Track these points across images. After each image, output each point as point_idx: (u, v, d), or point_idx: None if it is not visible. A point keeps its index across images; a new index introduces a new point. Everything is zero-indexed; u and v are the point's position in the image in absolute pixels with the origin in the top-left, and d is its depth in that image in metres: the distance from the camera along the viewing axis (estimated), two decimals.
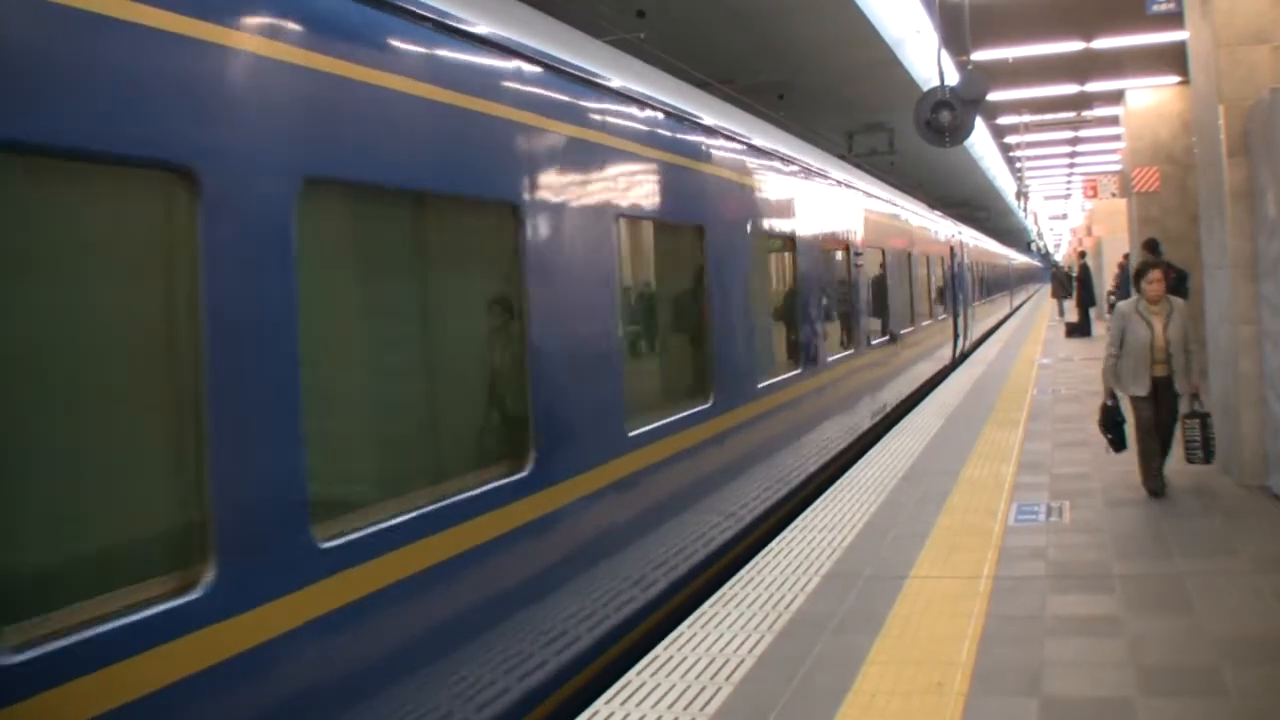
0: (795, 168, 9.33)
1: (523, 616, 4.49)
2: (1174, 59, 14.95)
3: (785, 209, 8.89)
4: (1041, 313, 37.25)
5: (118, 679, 2.63)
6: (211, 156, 3.01)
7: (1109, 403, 7.84)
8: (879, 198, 13.71)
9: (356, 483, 3.86)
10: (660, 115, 6.29)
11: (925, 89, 12.48)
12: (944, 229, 21.57)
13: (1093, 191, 20.16)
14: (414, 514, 3.80)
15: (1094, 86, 19.42)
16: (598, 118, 5.42)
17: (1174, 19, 10.63)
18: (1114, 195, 19.52)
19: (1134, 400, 7.67)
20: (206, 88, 3.02)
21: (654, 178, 6.14)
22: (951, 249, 22.06)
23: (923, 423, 11.94)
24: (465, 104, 4.26)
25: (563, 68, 5.06)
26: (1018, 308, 47.88)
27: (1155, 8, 10.74)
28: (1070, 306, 27.90)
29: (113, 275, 2.91)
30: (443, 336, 4.52)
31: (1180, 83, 16.50)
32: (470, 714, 4.08)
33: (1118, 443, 7.83)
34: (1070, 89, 19.82)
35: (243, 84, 3.16)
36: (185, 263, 2.96)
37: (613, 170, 5.57)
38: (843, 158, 17.07)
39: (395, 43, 3.87)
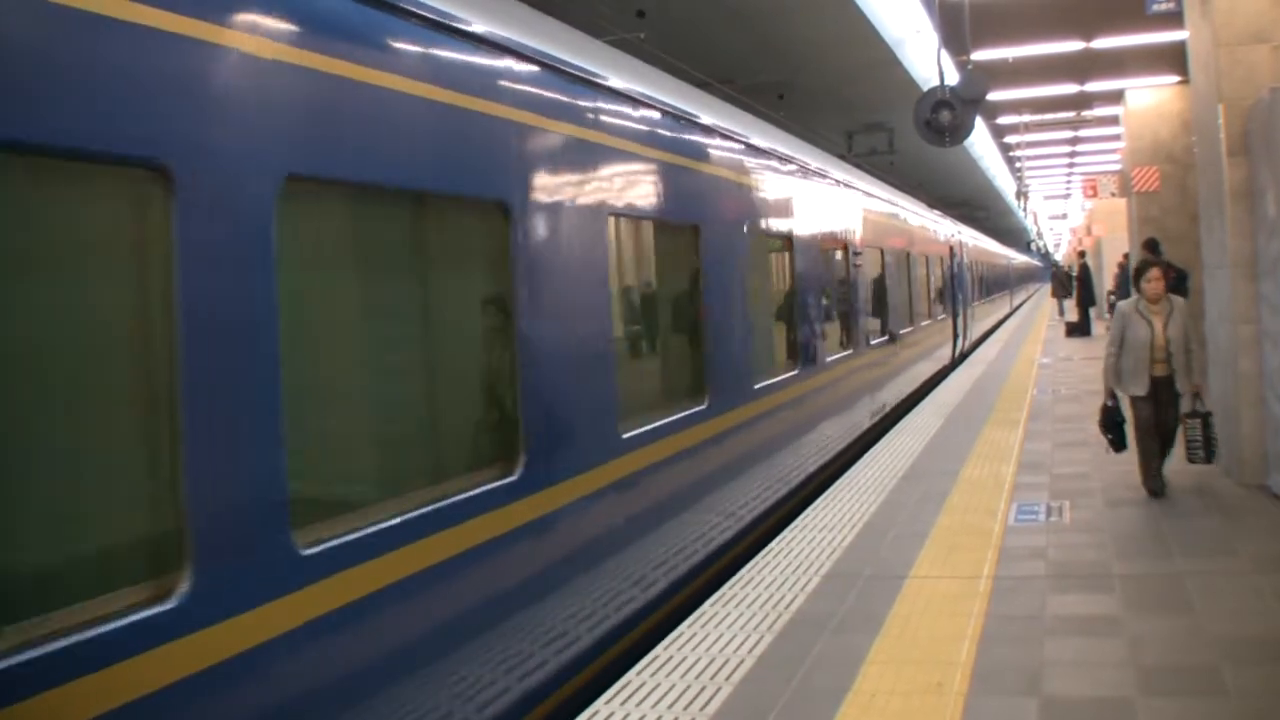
0: (792, 167, 9.30)
1: (514, 624, 4.41)
2: (1174, 59, 14.95)
3: (782, 208, 8.85)
4: (1041, 312, 37.25)
5: (84, 693, 2.55)
6: (187, 154, 2.93)
7: (1109, 403, 7.84)
8: (878, 197, 13.70)
9: (340, 487, 3.77)
10: (654, 113, 6.24)
11: (925, 89, 12.48)
12: (943, 228, 21.57)
13: (1092, 191, 20.17)
14: (399, 519, 3.71)
15: (1094, 86, 19.42)
16: (590, 115, 5.36)
17: (1174, 19, 10.63)
18: (1114, 195, 19.53)
19: (1133, 400, 7.67)
20: (180, 83, 2.94)
21: (648, 176, 6.09)
22: (951, 249, 22.05)
23: (922, 422, 11.94)
24: (453, 101, 4.18)
25: (553, 64, 4.99)
26: (1017, 307, 47.88)
27: (1155, 7, 10.75)
28: (1070, 306, 27.91)
29: (83, 275, 2.84)
30: (431, 337, 4.45)
31: (1180, 82, 16.50)
32: None
33: (1118, 443, 7.83)
34: (1070, 89, 19.82)
35: (219, 79, 3.08)
36: (160, 261, 2.88)
37: (605, 168, 5.51)
38: (842, 157, 17.07)
39: (379, 38, 3.80)
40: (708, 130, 7.16)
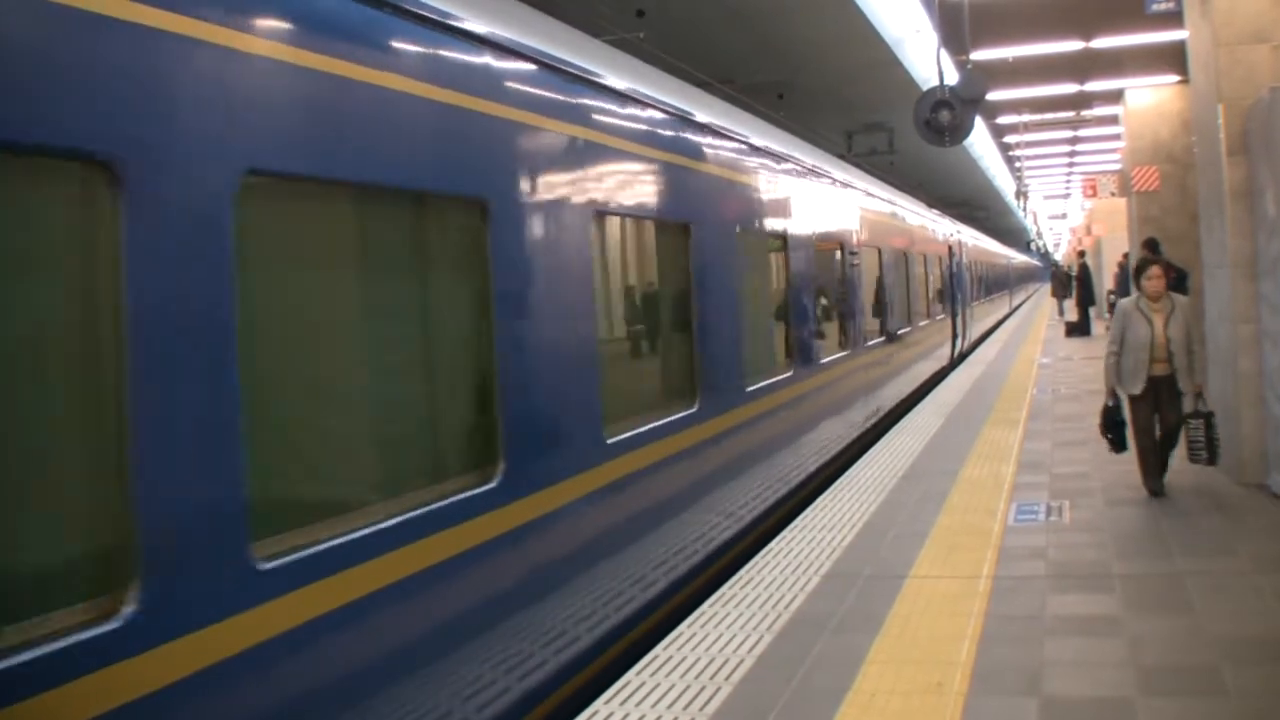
0: (788, 165, 9.21)
1: (491, 639, 4.23)
2: (1174, 58, 14.96)
3: (777, 207, 8.76)
4: (1041, 312, 37.27)
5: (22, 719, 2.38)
6: (136, 147, 2.76)
7: (1110, 403, 7.84)
8: (876, 196, 13.67)
9: (303, 498, 3.56)
10: (643, 109, 6.09)
11: (925, 89, 12.48)
12: (942, 228, 21.56)
13: (1092, 191, 20.19)
14: (368, 530, 3.53)
15: (1094, 86, 19.43)
16: (575, 110, 5.19)
17: (1174, 18, 10.63)
18: (1113, 194, 19.55)
19: (1132, 399, 7.67)
20: (128, 73, 2.76)
21: (636, 174, 5.93)
22: (950, 248, 22.05)
23: (922, 422, 11.94)
24: (426, 93, 4.00)
25: (533, 57, 4.81)
26: (1017, 307, 47.88)
27: (1155, 7, 10.75)
28: (1070, 306, 27.93)
29: (21, 275, 2.66)
30: (403, 339, 4.23)
31: (1180, 82, 16.51)
32: None
33: (1118, 443, 7.82)
34: (1070, 88, 19.83)
35: (170, 69, 2.90)
36: (106, 261, 2.72)
37: (590, 165, 5.34)
38: (842, 157, 17.06)
39: (346, 27, 3.64)
40: (699, 127, 7.01)
